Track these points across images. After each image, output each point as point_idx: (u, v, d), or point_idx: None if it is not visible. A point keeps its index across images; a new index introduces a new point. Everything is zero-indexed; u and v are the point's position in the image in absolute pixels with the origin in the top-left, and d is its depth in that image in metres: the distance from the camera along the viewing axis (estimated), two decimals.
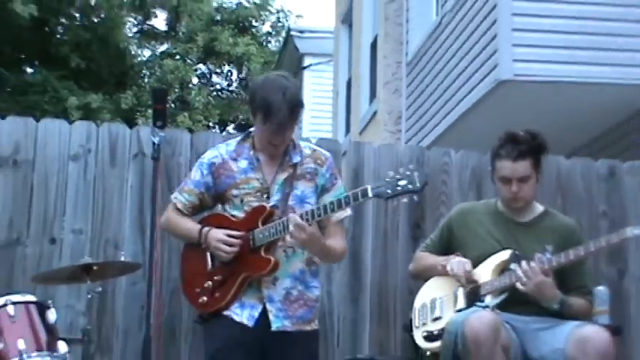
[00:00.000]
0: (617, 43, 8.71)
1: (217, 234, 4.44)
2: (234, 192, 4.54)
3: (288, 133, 4.48)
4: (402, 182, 4.40)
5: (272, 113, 4.33)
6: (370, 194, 4.40)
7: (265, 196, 4.52)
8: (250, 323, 4.37)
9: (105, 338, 5.97)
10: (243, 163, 4.57)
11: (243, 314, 4.39)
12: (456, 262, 5.32)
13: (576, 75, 8.69)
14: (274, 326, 4.40)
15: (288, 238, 4.38)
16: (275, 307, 4.42)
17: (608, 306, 5.85)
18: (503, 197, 5.47)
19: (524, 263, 5.12)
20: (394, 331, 6.22)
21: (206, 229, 4.50)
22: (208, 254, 4.52)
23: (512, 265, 5.25)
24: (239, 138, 4.71)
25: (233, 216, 4.55)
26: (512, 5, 8.85)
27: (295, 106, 4.40)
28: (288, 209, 4.49)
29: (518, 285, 5.10)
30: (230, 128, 24.48)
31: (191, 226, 4.60)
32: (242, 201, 4.52)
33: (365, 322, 6.37)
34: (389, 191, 4.41)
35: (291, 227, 4.32)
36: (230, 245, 4.40)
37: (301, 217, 4.37)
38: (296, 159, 4.60)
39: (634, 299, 6.58)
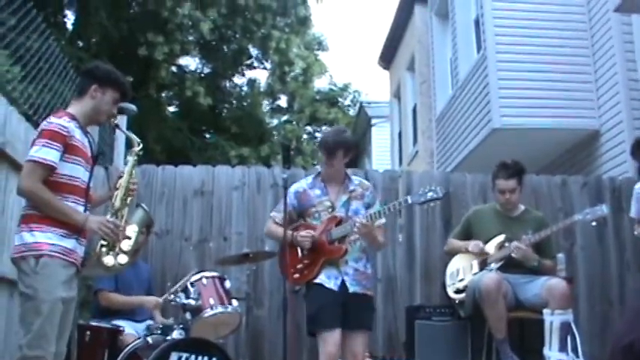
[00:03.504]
0: (564, 104, 8.66)
1: (299, 234, 4.44)
2: (314, 209, 4.53)
3: (334, 163, 4.51)
4: (430, 194, 4.45)
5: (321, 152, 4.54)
6: (410, 201, 4.47)
7: (331, 210, 4.52)
8: (336, 288, 4.34)
9: (259, 297, 6.07)
10: (317, 192, 4.57)
11: (330, 282, 4.36)
12: (473, 245, 5.37)
13: (541, 124, 8.66)
14: (351, 290, 4.37)
15: (355, 229, 4.37)
16: (349, 278, 4.39)
17: (564, 265, 5.91)
18: (500, 203, 5.50)
19: (515, 242, 5.16)
20: (435, 288, 6.19)
21: (295, 232, 4.47)
22: (298, 248, 4.48)
23: (507, 244, 5.29)
24: (314, 175, 4.69)
25: (313, 224, 4.52)
26: (499, 83, 8.83)
27: (329, 147, 4.48)
28: (348, 218, 4.48)
29: (513, 254, 5.15)
30: None
31: (288, 232, 4.48)
32: (319, 214, 4.52)
33: (416, 283, 6.35)
34: (422, 199, 4.46)
35: (357, 224, 4.34)
36: (306, 237, 4.41)
37: (370, 216, 4.41)
38: (351, 187, 4.60)
39: (580, 260, 6.50)
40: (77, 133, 3.55)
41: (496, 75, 8.88)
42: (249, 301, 5.49)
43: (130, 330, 4.80)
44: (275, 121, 23.19)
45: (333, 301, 4.29)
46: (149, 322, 5.08)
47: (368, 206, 4.59)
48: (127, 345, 4.51)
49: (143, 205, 4.01)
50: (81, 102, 3.68)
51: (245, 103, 20.78)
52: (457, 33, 10.94)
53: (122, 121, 6.38)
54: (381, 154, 18.77)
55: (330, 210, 4.52)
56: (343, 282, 4.38)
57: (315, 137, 24.61)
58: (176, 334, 4.55)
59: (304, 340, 5.95)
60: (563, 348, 4.83)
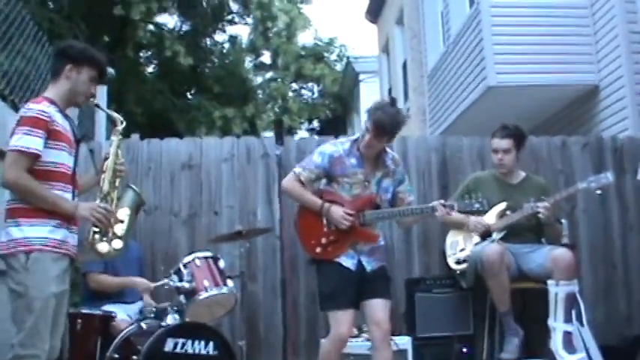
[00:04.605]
0: (561, 59, 8.58)
1: (339, 210, 4.27)
2: (346, 179, 4.34)
3: (379, 144, 4.31)
4: (477, 205, 4.47)
5: (377, 132, 4.22)
6: (455, 207, 4.44)
7: (365, 185, 4.35)
8: (353, 268, 4.26)
9: (253, 274, 6.01)
10: (353, 161, 4.35)
11: (349, 262, 4.27)
12: (475, 224, 5.29)
13: (538, 80, 8.57)
14: (368, 269, 4.31)
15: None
16: (365, 257, 4.32)
17: (568, 231, 5.90)
18: (494, 164, 5.48)
19: (543, 203, 5.09)
20: (434, 258, 6.17)
21: (327, 204, 4.30)
22: (324, 219, 4.32)
23: (508, 212, 5.26)
24: (352, 139, 4.45)
25: (341, 194, 4.35)
26: (493, 39, 8.73)
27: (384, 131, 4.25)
28: (377, 196, 4.38)
29: (540, 215, 5.09)
30: (315, 122, 24.63)
31: (314, 198, 4.36)
32: (351, 187, 4.34)
33: (414, 253, 6.32)
34: (468, 209, 4.54)
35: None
36: (348, 220, 4.25)
37: (411, 211, 4.48)
38: (388, 162, 4.45)
39: (582, 224, 6.49)
40: (58, 118, 3.45)
41: (490, 30, 8.77)
42: (243, 278, 5.44)
43: (122, 315, 4.76)
44: (259, 79, 22.95)
45: (350, 280, 4.25)
46: (140, 303, 5.05)
47: (398, 183, 4.49)
48: (121, 331, 4.46)
49: (132, 185, 3.94)
50: (57, 84, 3.56)
51: (227, 61, 20.50)
52: None
53: (103, 89, 6.29)
54: None
55: (364, 184, 4.37)
56: (359, 261, 4.32)
57: (302, 94, 24.41)
58: (170, 319, 4.50)
59: (302, 316, 5.97)
60: (568, 319, 4.83)
